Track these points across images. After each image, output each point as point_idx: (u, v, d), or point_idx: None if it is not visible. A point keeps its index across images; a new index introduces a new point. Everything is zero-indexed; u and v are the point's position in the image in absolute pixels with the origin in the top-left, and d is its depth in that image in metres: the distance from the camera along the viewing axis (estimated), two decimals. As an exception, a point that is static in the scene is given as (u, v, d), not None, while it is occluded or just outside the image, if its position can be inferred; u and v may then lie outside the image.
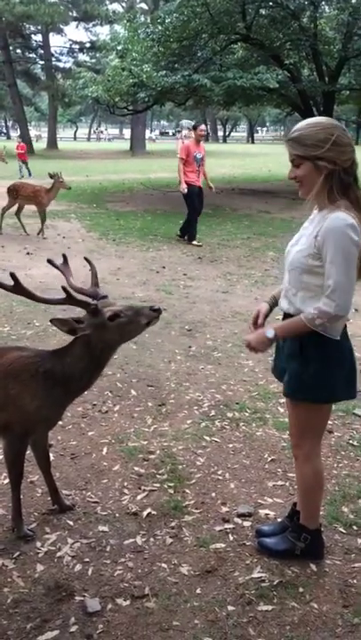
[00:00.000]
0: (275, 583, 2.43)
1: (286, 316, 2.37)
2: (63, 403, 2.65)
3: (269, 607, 2.31)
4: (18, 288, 2.43)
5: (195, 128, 9.76)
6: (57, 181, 10.02)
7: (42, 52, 39.18)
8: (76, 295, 2.51)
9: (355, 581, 2.46)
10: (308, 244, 2.18)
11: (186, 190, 9.43)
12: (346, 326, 2.32)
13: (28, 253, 8.84)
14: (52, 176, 10.07)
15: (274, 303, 2.51)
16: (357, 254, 2.10)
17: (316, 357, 2.26)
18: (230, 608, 2.31)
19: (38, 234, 10.16)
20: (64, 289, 2.45)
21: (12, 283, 2.43)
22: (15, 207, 10.38)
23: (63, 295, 2.45)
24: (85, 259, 2.76)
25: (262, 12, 14.98)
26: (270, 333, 2.26)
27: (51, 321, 2.43)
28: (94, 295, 2.56)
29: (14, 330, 5.44)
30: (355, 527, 2.79)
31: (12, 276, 2.39)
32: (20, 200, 10.21)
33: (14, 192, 10.17)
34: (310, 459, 2.47)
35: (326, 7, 16.39)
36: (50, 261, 2.62)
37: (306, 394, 2.32)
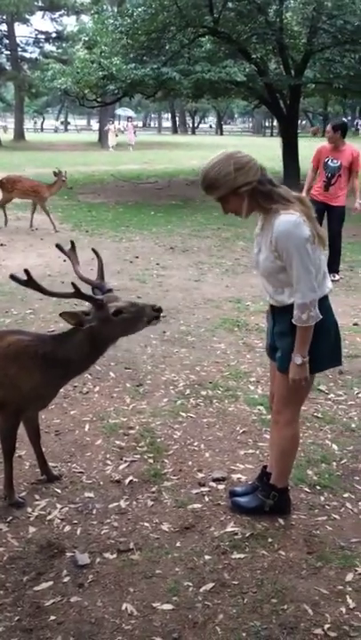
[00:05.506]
0: (247, 535, 2.71)
1: (274, 308, 2.64)
2: (59, 383, 2.89)
3: (242, 555, 2.59)
4: (30, 282, 2.61)
5: (333, 128, 7.03)
6: (59, 179, 10.09)
7: (7, 41, 38.60)
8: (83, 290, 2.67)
9: (318, 532, 2.75)
10: (270, 250, 2.47)
11: None
12: (329, 303, 2.59)
13: (1, 245, 8.94)
14: (56, 174, 10.15)
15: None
16: (310, 242, 2.38)
17: None
18: (207, 557, 2.57)
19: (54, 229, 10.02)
20: (73, 284, 2.63)
21: (25, 277, 2.61)
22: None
23: (71, 290, 2.63)
24: (93, 250, 2.91)
25: (229, 5, 15.17)
26: (298, 360, 2.48)
27: (60, 315, 2.65)
28: (100, 287, 2.75)
29: (-7, 318, 5.59)
30: (318, 487, 3.09)
31: (27, 272, 2.58)
32: (17, 194, 10.13)
33: (8, 186, 10.09)
34: (291, 424, 2.75)
35: (292, 1, 16.67)
36: (58, 246, 2.75)
37: None
